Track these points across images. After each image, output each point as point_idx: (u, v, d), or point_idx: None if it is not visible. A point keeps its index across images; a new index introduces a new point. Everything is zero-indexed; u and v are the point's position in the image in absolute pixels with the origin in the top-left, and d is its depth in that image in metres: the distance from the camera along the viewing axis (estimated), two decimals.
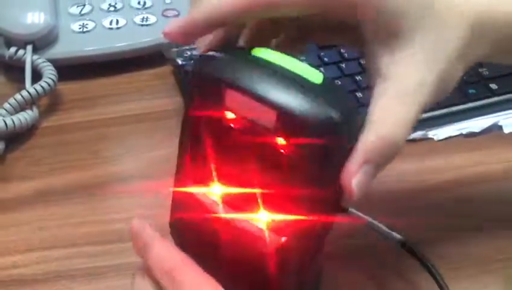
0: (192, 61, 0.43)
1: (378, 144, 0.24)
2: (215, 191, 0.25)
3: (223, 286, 0.24)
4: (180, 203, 0.26)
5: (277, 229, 0.24)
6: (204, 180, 0.25)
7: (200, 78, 0.24)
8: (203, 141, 0.24)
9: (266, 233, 0.25)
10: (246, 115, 0.23)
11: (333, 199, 0.25)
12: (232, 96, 0.23)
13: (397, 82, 0.25)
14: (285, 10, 0.25)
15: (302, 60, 0.24)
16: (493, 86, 0.42)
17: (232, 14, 0.25)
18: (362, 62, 0.43)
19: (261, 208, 0.25)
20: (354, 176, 0.24)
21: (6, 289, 0.31)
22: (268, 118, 0.23)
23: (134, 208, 0.35)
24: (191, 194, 0.26)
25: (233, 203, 0.25)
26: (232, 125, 0.23)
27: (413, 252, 0.30)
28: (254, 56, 0.24)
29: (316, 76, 0.23)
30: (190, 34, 0.25)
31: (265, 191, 0.24)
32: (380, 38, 0.25)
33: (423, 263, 0.29)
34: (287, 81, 0.23)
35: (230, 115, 0.23)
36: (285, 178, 0.24)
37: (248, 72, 0.23)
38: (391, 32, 0.25)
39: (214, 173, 0.25)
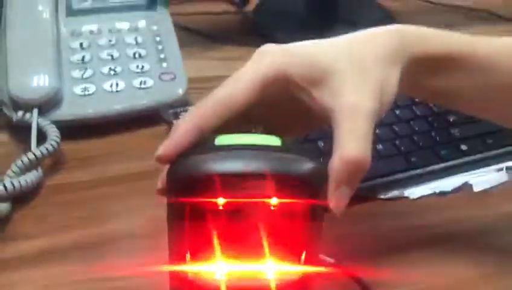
0: None
1: (342, 165, 0.28)
2: (218, 271, 0.28)
3: None
4: (179, 285, 0.29)
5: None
6: (204, 260, 0.28)
7: (183, 171, 0.27)
8: (198, 228, 0.27)
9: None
10: (238, 195, 0.26)
11: None
12: (221, 182, 0.26)
13: (341, 108, 0.29)
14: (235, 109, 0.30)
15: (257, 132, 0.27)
16: (463, 146, 0.46)
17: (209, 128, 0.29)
18: None
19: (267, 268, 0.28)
20: (331, 202, 0.28)
21: None
22: (261, 187, 0.26)
23: (135, 265, 0.38)
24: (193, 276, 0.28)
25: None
26: (226, 206, 0.27)
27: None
28: (220, 145, 0.27)
29: (274, 140, 0.27)
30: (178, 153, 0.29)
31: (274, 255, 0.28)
32: (314, 85, 0.30)
33: None
34: (261, 152, 0.26)
35: (222, 200, 0.26)
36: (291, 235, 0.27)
37: (227, 159, 0.26)
38: (318, 78, 0.30)
39: (216, 255, 0.28)
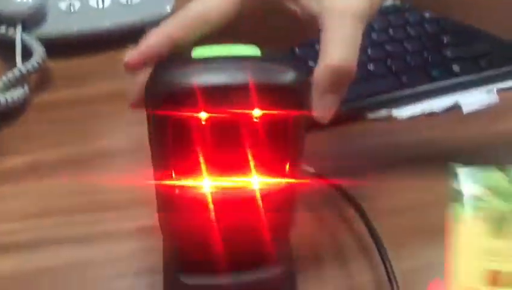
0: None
1: (326, 73, 0.27)
2: (203, 184, 0.28)
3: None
4: (166, 199, 0.29)
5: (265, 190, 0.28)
6: (190, 174, 0.28)
7: (164, 86, 0.26)
8: (181, 143, 0.27)
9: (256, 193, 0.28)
10: (221, 108, 0.26)
11: None
12: (204, 95, 0.25)
13: (329, 12, 0.28)
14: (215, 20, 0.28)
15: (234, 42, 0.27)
16: (455, 67, 0.45)
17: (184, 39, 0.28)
18: None
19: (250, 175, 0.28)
20: (316, 111, 0.27)
21: (7, 251, 0.34)
22: (246, 98, 0.26)
23: (120, 180, 0.38)
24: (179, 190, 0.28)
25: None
26: (209, 120, 0.26)
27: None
28: (198, 58, 0.26)
29: (254, 50, 0.26)
30: (146, 62, 0.28)
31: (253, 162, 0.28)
32: None
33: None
34: (241, 63, 0.26)
35: (204, 114, 0.26)
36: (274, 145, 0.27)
37: (207, 71, 0.25)
38: None
39: (201, 166, 0.28)
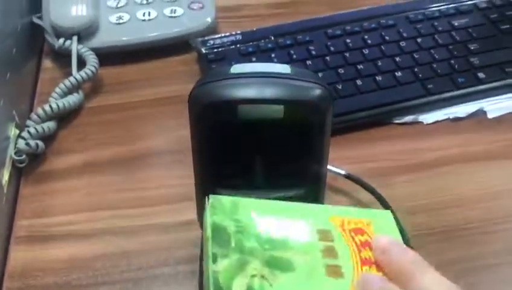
0: (212, 51, 0.49)
1: None
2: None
3: None
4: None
5: None
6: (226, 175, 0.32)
7: (205, 98, 0.30)
8: (220, 144, 0.31)
9: None
10: (254, 117, 0.29)
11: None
12: (239, 106, 0.29)
13: None
14: None
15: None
16: (481, 74, 0.47)
17: None
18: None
19: None
20: None
21: (64, 240, 0.39)
22: (275, 110, 0.29)
23: (164, 178, 0.42)
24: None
25: None
26: (244, 128, 0.30)
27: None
28: (236, 73, 0.30)
29: (285, 68, 0.30)
30: None
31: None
32: None
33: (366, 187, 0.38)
34: (273, 81, 0.29)
35: (240, 122, 0.29)
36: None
37: (244, 86, 0.29)
38: None
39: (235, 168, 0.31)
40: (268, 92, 0.29)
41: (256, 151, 0.32)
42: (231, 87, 0.29)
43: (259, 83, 0.29)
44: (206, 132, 0.31)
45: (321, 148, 0.31)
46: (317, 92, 0.29)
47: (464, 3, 0.53)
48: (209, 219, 0.27)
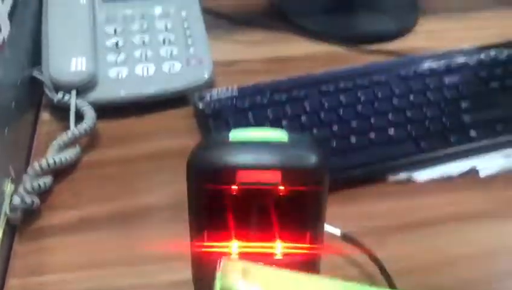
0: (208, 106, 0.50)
1: None
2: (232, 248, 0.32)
3: None
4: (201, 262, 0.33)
5: None
6: (221, 240, 0.32)
7: (204, 164, 0.30)
8: (215, 211, 0.31)
9: None
10: (251, 184, 0.30)
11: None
12: (237, 174, 0.30)
13: None
14: None
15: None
16: (473, 132, 0.48)
17: None
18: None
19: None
20: None
21: None
22: (272, 177, 0.30)
23: (161, 234, 0.42)
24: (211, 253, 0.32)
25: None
26: (241, 194, 0.30)
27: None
28: (235, 141, 0.31)
29: (282, 135, 0.31)
30: None
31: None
32: None
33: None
34: (271, 148, 0.30)
35: (239, 187, 0.30)
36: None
37: (242, 154, 0.30)
38: None
39: (231, 233, 0.32)
40: (266, 159, 0.30)
41: (253, 216, 0.32)
42: (229, 155, 0.30)
43: (257, 150, 0.30)
44: (204, 195, 0.31)
45: (318, 214, 0.32)
46: (314, 158, 0.30)
47: (454, 61, 0.55)
48: (218, 282, 0.27)
